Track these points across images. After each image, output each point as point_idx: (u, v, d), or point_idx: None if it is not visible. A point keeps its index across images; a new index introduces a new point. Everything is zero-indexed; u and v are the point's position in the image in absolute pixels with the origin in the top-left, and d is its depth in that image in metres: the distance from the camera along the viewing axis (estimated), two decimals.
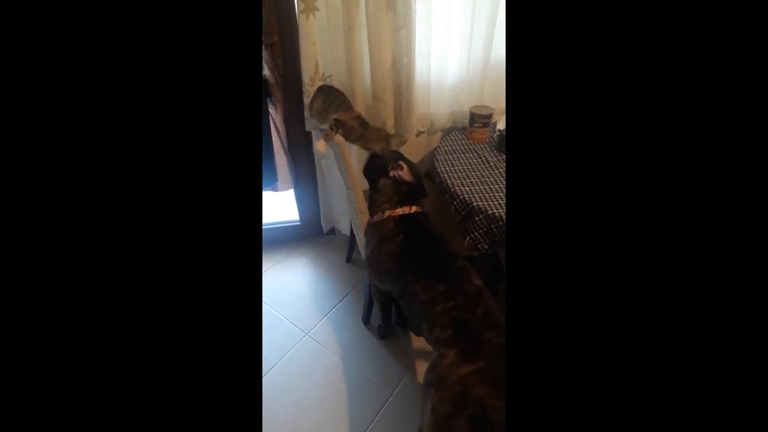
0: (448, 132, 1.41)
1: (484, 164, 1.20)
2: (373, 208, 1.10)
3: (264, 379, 1.26)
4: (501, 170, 1.16)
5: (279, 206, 1.78)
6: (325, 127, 1.12)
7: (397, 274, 0.99)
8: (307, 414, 1.17)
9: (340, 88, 1.27)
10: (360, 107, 1.30)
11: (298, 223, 1.75)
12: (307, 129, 1.39)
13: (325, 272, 1.64)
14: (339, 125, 1.09)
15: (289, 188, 1.57)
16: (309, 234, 1.77)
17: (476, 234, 1.04)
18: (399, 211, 1.05)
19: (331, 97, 1.17)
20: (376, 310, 1.39)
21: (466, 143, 1.32)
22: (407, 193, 1.07)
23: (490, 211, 1.01)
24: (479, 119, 1.28)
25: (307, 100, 1.25)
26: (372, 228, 1.08)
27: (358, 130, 1.11)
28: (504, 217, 0.98)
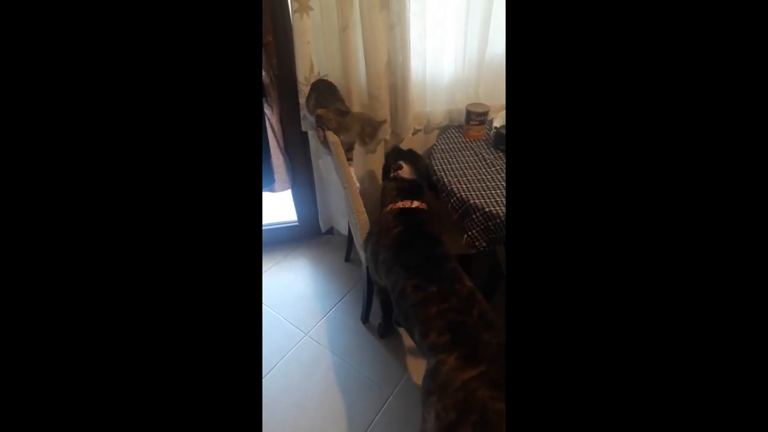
0: (444, 130, 1.41)
1: (480, 162, 1.20)
2: (380, 204, 1.14)
3: (264, 380, 1.26)
4: (498, 168, 1.16)
5: (276, 207, 1.78)
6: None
7: (390, 266, 0.99)
8: (308, 414, 1.17)
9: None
10: (356, 106, 1.30)
11: (296, 224, 1.74)
12: (303, 129, 1.38)
13: (323, 272, 1.64)
14: (318, 122, 1.09)
15: (287, 189, 1.57)
16: (307, 234, 1.77)
17: (474, 232, 1.04)
18: (399, 204, 1.07)
19: (320, 92, 1.17)
20: (375, 309, 1.39)
21: (462, 141, 1.31)
22: (409, 188, 1.11)
23: (487, 209, 1.01)
24: (475, 117, 1.28)
25: (302, 100, 1.24)
26: (376, 221, 1.10)
27: (335, 119, 1.10)
28: (501, 214, 0.98)
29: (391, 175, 1.13)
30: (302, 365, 1.30)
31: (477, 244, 1.04)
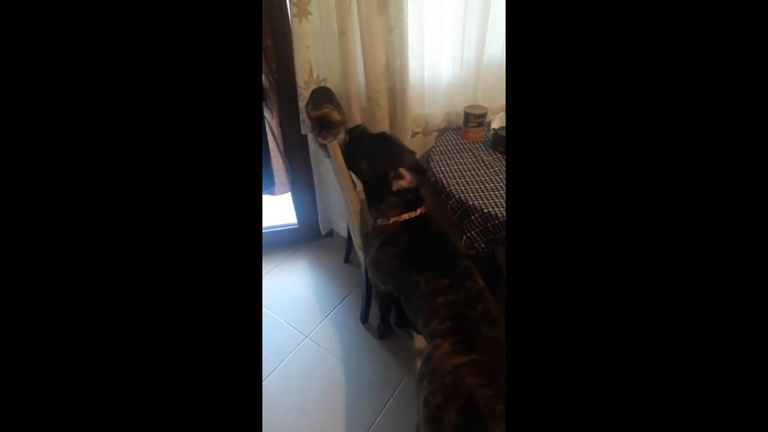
0: (443, 132, 1.42)
1: (479, 163, 1.20)
2: (378, 213, 1.07)
3: (265, 382, 1.26)
4: (496, 169, 1.17)
5: (276, 210, 1.78)
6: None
7: (399, 270, 0.99)
8: (308, 416, 1.17)
9: (335, 91, 1.27)
10: (355, 110, 1.31)
11: (296, 226, 1.75)
12: (303, 132, 1.39)
13: (323, 275, 1.65)
14: (320, 123, 1.07)
15: (287, 192, 1.58)
16: (307, 237, 1.77)
17: (473, 233, 1.04)
18: (405, 216, 1.05)
19: (315, 98, 1.17)
20: (374, 309, 1.39)
21: (461, 143, 1.32)
22: (412, 199, 1.05)
23: (485, 210, 1.01)
24: (473, 119, 1.28)
25: (302, 104, 1.25)
26: (377, 230, 1.08)
27: (339, 119, 1.05)
28: (500, 215, 0.99)
29: (394, 189, 1.00)
30: (302, 367, 1.30)
31: (476, 245, 1.04)
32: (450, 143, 1.33)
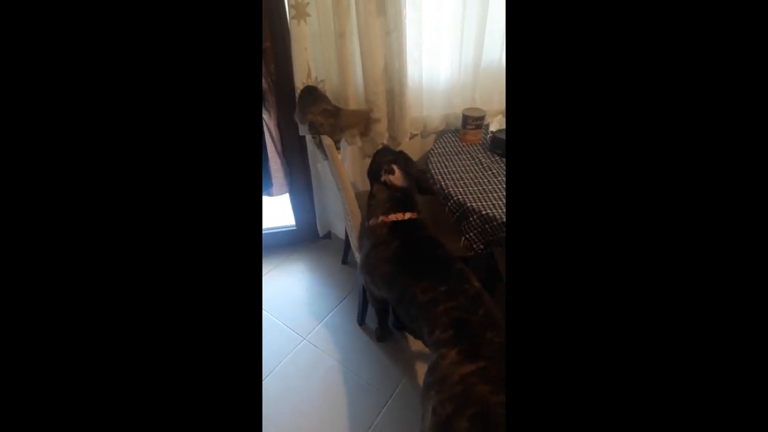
0: (441, 134, 1.42)
1: (477, 165, 1.21)
2: (369, 212, 1.09)
3: (262, 384, 1.26)
4: (494, 171, 1.17)
5: (274, 211, 1.78)
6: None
7: (393, 280, 0.99)
8: (306, 418, 1.17)
9: (333, 93, 1.28)
10: None
11: (294, 228, 1.75)
12: (300, 134, 1.39)
13: (321, 276, 1.64)
14: (312, 128, 1.08)
15: (284, 193, 1.58)
16: (305, 239, 1.77)
17: (471, 234, 1.05)
18: (392, 217, 1.04)
19: (303, 100, 1.17)
20: (371, 311, 1.39)
21: (459, 145, 1.33)
22: (401, 199, 1.06)
23: (484, 212, 1.02)
24: (472, 121, 1.29)
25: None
26: (367, 232, 1.08)
27: (326, 122, 1.08)
28: (498, 217, 0.99)
29: (382, 179, 1.07)
30: (300, 369, 1.30)
31: (475, 246, 1.05)
32: (448, 145, 1.33)
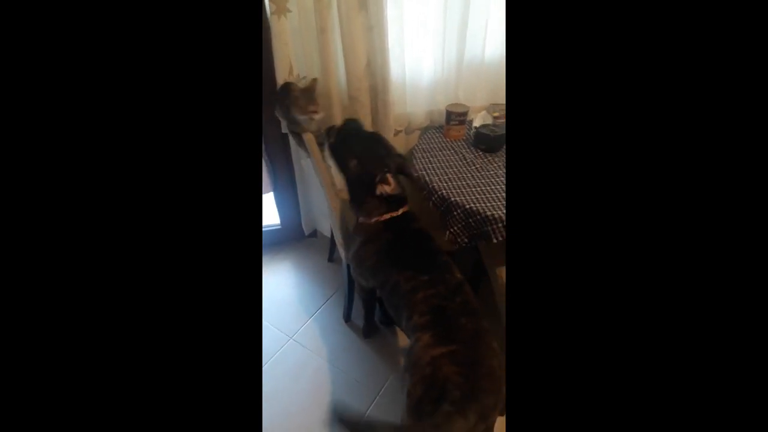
0: (425, 131, 1.43)
1: (461, 161, 1.22)
2: (361, 211, 1.05)
3: None
4: (477, 166, 1.19)
5: None
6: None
7: (380, 267, 0.99)
8: (295, 419, 1.16)
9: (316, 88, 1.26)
10: (336, 108, 1.30)
11: (279, 227, 1.73)
12: (283, 131, 1.38)
13: (308, 275, 1.63)
14: (290, 123, 1.07)
15: (268, 192, 1.56)
16: (290, 237, 1.75)
17: (455, 228, 1.05)
18: (387, 216, 1.04)
19: (281, 97, 1.17)
20: (357, 307, 1.39)
21: (443, 141, 1.33)
22: (395, 197, 1.03)
23: (467, 206, 1.02)
24: (455, 117, 1.30)
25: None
26: (359, 228, 1.08)
27: (301, 100, 1.07)
28: (481, 211, 1.00)
29: (378, 192, 0.98)
30: (288, 369, 1.29)
31: (459, 240, 1.05)
32: (432, 141, 1.34)
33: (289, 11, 1.12)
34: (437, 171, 1.17)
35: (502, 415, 0.78)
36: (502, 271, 1.11)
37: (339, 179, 1.10)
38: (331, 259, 1.67)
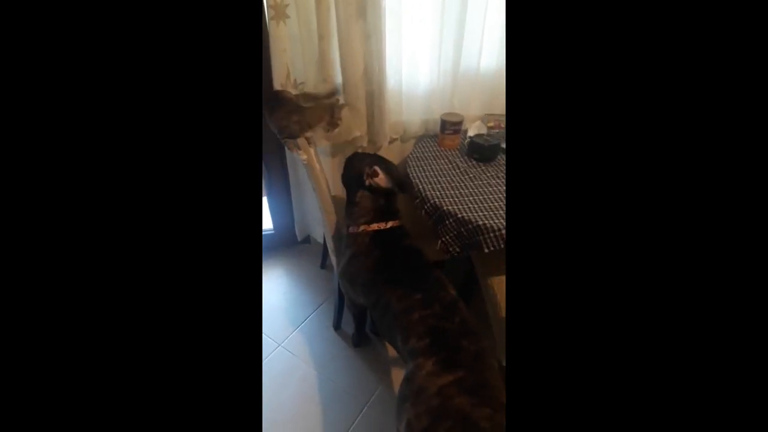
0: (420, 139, 1.43)
1: (454, 170, 1.22)
2: (350, 219, 1.08)
3: None
4: (471, 175, 1.19)
5: None
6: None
7: (371, 287, 0.98)
8: (280, 428, 1.13)
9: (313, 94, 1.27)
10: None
11: (272, 232, 1.71)
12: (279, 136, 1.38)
13: (299, 281, 1.62)
14: (280, 133, 1.08)
15: (262, 196, 1.55)
16: (283, 243, 1.74)
17: (447, 237, 1.05)
18: (375, 226, 1.04)
19: (269, 106, 1.17)
20: (347, 316, 1.37)
21: (437, 150, 1.34)
22: (384, 207, 1.06)
23: (459, 215, 1.02)
24: (450, 126, 1.30)
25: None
26: (348, 239, 1.07)
27: (291, 122, 1.07)
28: (474, 220, 1.00)
29: (367, 183, 1.05)
30: (275, 376, 1.26)
31: (451, 249, 1.05)
32: (427, 150, 1.34)
33: (288, 17, 1.13)
34: (431, 179, 1.17)
35: None
36: (494, 281, 1.10)
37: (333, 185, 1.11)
38: (323, 266, 1.66)
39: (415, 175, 1.20)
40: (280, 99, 1.16)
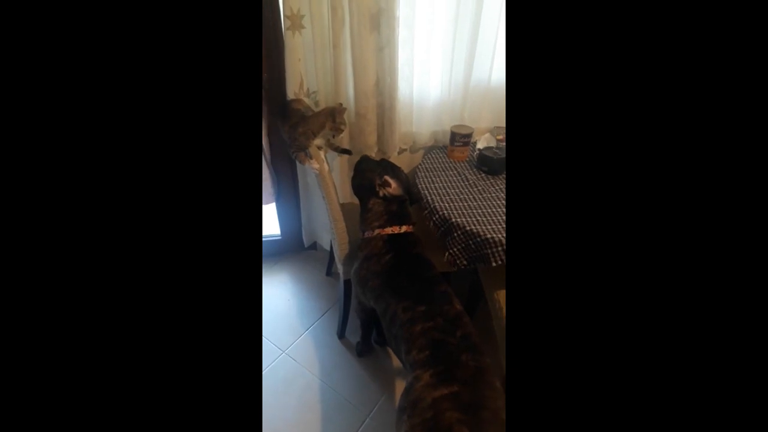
0: (429, 150, 1.44)
1: (463, 182, 1.22)
2: (364, 224, 1.10)
3: None
4: (479, 188, 1.19)
5: None
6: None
7: (380, 293, 0.98)
8: None
9: (324, 104, 1.29)
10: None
11: (279, 238, 1.72)
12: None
13: (305, 288, 1.62)
14: (289, 145, 1.10)
15: (271, 202, 1.56)
16: (290, 249, 1.74)
17: (455, 249, 1.05)
18: (388, 230, 1.05)
19: (276, 120, 1.20)
20: (351, 325, 1.37)
21: (446, 161, 1.34)
22: (397, 211, 1.08)
23: (468, 228, 1.02)
24: (459, 138, 1.31)
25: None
26: (362, 242, 1.08)
27: (296, 134, 1.10)
28: (482, 233, 1.00)
29: (381, 193, 1.07)
30: (278, 383, 1.26)
31: (458, 261, 1.05)
32: (436, 161, 1.34)
33: (304, 27, 1.15)
34: (439, 191, 1.17)
35: None
36: (500, 295, 1.09)
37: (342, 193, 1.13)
38: (329, 273, 1.66)
39: (423, 186, 1.20)
40: (287, 112, 1.18)
